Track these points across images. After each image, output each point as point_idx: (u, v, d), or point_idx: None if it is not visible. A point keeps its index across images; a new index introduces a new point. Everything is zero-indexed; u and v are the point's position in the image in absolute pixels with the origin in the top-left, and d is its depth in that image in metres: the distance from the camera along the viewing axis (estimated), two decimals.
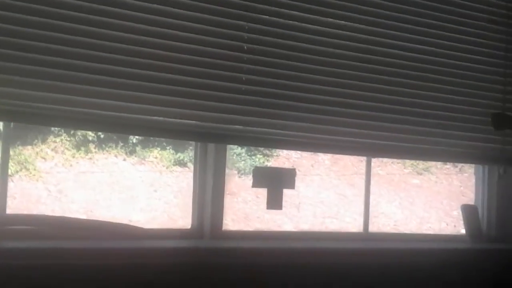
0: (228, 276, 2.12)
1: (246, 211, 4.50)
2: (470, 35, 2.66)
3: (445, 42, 2.61)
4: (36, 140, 4.34)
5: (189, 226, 2.34)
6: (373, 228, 2.68)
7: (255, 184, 2.41)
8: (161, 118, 2.13)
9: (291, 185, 2.42)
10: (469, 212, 2.80)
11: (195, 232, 2.31)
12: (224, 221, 2.35)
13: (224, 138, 2.26)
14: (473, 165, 3.01)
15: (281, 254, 2.24)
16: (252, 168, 4.41)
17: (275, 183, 2.39)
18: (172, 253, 2.07)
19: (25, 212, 3.90)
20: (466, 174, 5.28)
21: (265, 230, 4.18)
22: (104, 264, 1.94)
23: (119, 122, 2.09)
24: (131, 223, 2.34)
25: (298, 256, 2.26)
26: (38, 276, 1.86)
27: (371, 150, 2.51)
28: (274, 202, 2.39)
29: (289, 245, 2.33)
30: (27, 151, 4.29)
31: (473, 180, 2.95)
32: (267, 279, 2.17)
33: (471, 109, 2.66)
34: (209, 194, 2.31)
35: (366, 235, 2.61)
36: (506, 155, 2.72)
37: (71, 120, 2.03)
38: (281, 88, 2.30)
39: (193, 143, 2.43)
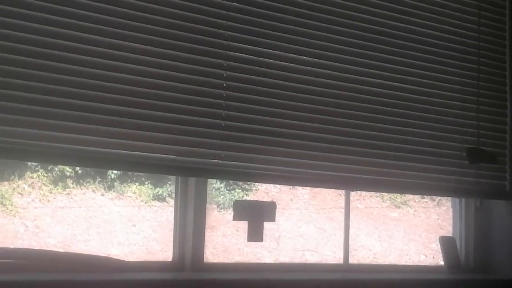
0: None
1: (225, 245, 4.48)
2: (444, 73, 2.73)
3: (422, 80, 2.67)
4: (13, 176, 4.31)
5: (170, 259, 2.34)
6: (353, 260, 2.69)
7: (236, 217, 2.42)
8: (140, 153, 2.13)
9: (272, 218, 2.43)
10: (447, 244, 2.82)
11: (177, 265, 2.31)
12: (204, 254, 2.35)
13: (204, 172, 2.26)
14: (450, 199, 3.05)
15: (262, 286, 2.24)
16: (231, 202, 4.42)
17: (255, 216, 2.40)
18: (154, 285, 2.06)
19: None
20: (443, 207, 5.32)
21: (246, 262, 4.17)
22: None
23: (97, 157, 2.08)
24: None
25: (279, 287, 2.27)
26: None
27: (349, 183, 2.53)
28: (255, 234, 2.40)
29: (270, 277, 2.33)
30: (4, 187, 4.25)
31: (451, 213, 2.98)
32: None
33: (447, 144, 2.71)
34: (190, 227, 2.32)
35: (346, 267, 2.62)
36: (481, 188, 2.77)
37: (49, 155, 2.02)
38: (260, 124, 2.33)
39: (172, 178, 2.43)
